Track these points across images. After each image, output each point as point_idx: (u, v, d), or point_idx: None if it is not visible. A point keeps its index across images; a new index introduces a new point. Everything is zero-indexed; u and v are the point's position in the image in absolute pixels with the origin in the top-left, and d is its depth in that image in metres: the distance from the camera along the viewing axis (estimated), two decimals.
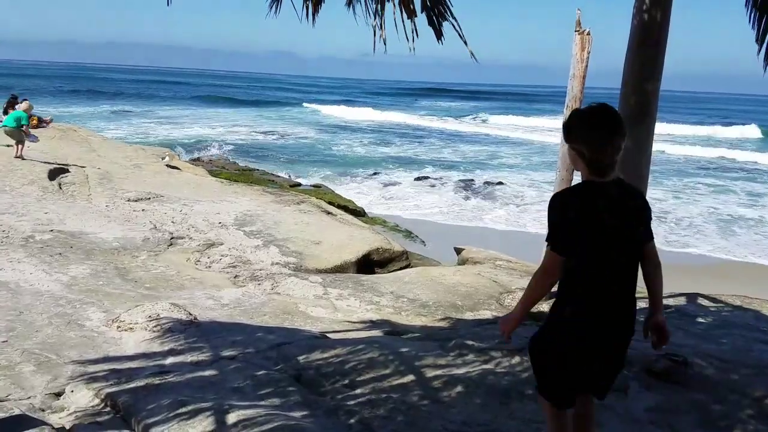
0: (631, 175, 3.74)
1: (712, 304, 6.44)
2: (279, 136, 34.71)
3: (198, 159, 20.83)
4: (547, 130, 40.76)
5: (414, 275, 7.42)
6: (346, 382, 3.93)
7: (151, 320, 5.16)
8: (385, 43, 3.58)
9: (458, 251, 9.26)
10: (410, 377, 3.96)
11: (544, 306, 6.26)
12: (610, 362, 2.60)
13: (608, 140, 2.37)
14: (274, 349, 4.56)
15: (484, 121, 49.81)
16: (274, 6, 4.09)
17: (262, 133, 35.87)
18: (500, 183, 20.96)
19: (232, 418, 3.29)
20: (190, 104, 54.64)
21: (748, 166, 28.56)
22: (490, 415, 3.51)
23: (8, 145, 13.36)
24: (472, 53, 3.66)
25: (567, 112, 6.00)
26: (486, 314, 6.11)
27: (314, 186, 18.32)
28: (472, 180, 21.38)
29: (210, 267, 7.21)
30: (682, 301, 6.51)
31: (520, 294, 6.56)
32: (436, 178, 21.46)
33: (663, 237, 14.19)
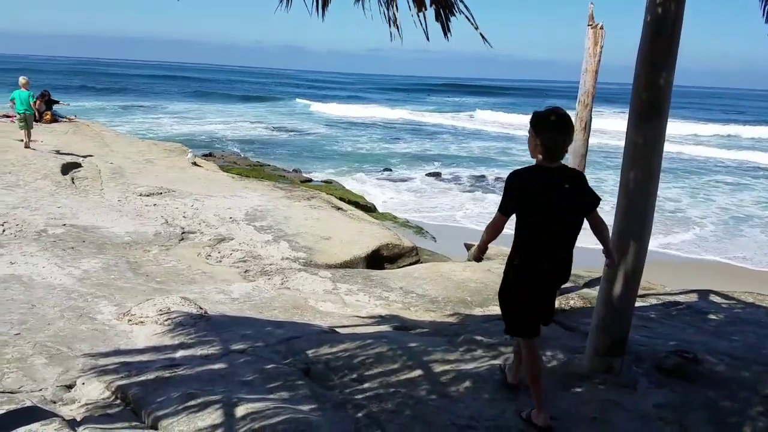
0: (641, 172, 3.71)
1: (724, 301, 6.39)
2: (290, 132, 34.80)
3: (210, 154, 20.91)
4: None
5: (423, 271, 7.41)
6: (355, 376, 3.94)
7: (161, 314, 5.19)
8: (400, 34, 3.54)
9: (468, 247, 9.23)
10: (418, 372, 3.97)
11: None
12: (549, 299, 3.49)
13: (559, 136, 3.15)
14: (284, 343, 4.58)
15: (489, 116, 49.46)
16: (285, 0, 4.08)
17: (273, 129, 35.98)
18: None
19: (240, 411, 3.31)
20: (200, 100, 54.83)
21: None
22: (498, 410, 3.51)
23: (21, 140, 13.50)
24: (484, 37, 3.61)
25: (579, 108, 5.97)
26: (495, 310, 6.09)
27: (325, 182, 18.35)
28: (483, 176, 21.34)
29: (221, 261, 7.25)
30: (693, 297, 6.46)
31: None
32: (447, 174, 21.44)
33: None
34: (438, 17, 3.58)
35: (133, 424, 3.44)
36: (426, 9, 3.51)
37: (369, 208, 14.08)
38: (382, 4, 3.62)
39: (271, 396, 3.58)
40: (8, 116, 17.72)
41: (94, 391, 3.90)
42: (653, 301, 6.30)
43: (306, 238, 8.19)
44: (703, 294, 6.58)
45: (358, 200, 14.67)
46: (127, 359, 4.36)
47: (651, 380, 3.97)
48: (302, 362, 4.17)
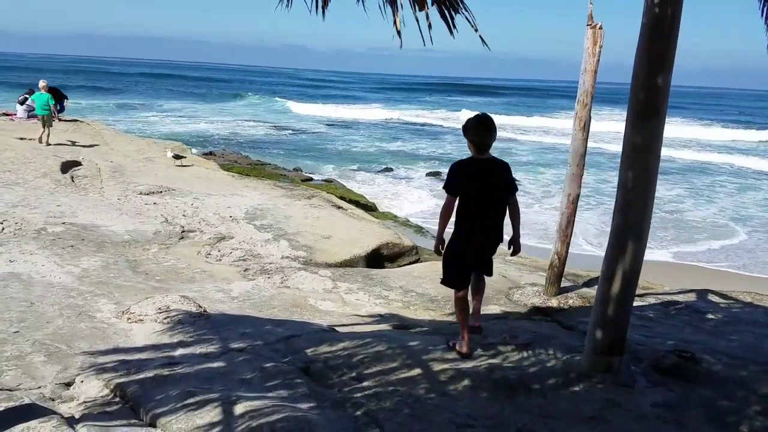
0: (639, 172, 3.72)
1: (722, 301, 6.40)
2: (290, 131, 34.79)
3: (210, 153, 20.91)
4: (558, 131, 40.41)
5: (423, 270, 7.41)
6: (354, 374, 3.95)
7: (161, 312, 5.20)
8: (400, 36, 3.54)
9: None
10: (417, 371, 3.97)
11: (553, 301, 6.26)
12: (483, 257, 4.54)
13: (485, 135, 4.24)
14: (283, 341, 4.58)
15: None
16: None
17: (272, 127, 36.00)
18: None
19: (239, 409, 3.32)
20: (200, 98, 54.77)
21: None
22: (497, 408, 3.52)
23: (21, 138, 13.52)
24: (483, 40, 3.62)
25: (578, 107, 5.97)
26: (494, 309, 6.09)
27: (325, 181, 18.35)
28: None
29: (220, 260, 7.25)
30: (692, 297, 6.47)
31: (529, 289, 6.59)
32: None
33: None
34: (442, 15, 3.57)
35: (132, 421, 3.44)
36: (428, 8, 3.51)
37: (369, 207, 14.07)
38: (384, 3, 3.61)
39: (270, 394, 3.59)
40: (8, 114, 17.74)
41: (93, 388, 3.91)
42: (652, 300, 6.31)
43: (306, 236, 8.20)
44: (702, 294, 6.59)
45: (358, 199, 14.66)
46: (126, 357, 4.36)
47: (649, 379, 3.98)
48: (301, 361, 4.18)
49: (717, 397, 3.78)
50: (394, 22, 3.50)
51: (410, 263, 8.06)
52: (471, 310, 4.55)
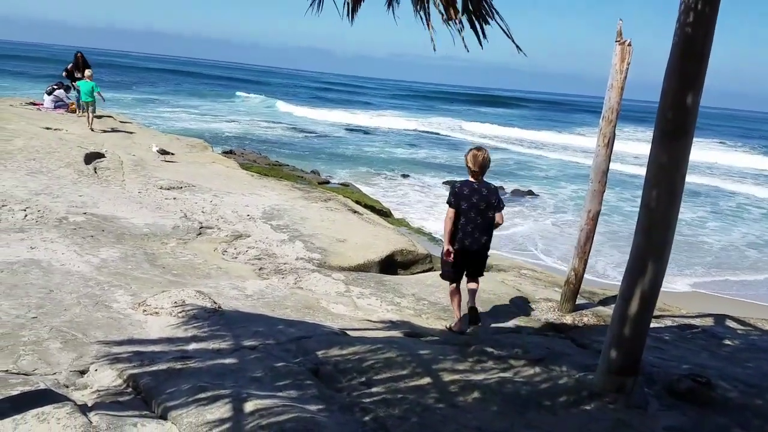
0: (664, 191, 3.68)
1: (740, 327, 6.32)
2: (305, 133, 34.96)
3: (231, 152, 21.06)
4: (578, 147, 40.10)
5: (436, 278, 7.36)
6: (363, 379, 3.95)
7: (176, 306, 5.24)
8: (433, 39, 3.54)
9: None
10: (427, 379, 3.96)
11: (568, 318, 6.21)
12: (475, 262, 5.71)
13: (479, 166, 5.52)
14: (294, 342, 4.60)
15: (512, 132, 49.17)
16: (315, 3, 4.10)
17: (289, 128, 36.22)
18: (530, 192, 20.84)
19: (249, 406, 3.33)
20: (212, 97, 55.02)
21: None
22: (506, 423, 3.50)
23: (47, 128, 13.73)
24: (518, 47, 3.61)
25: (603, 123, 5.94)
26: (507, 323, 6.07)
27: (342, 184, 18.40)
28: (502, 187, 21.28)
29: (236, 258, 7.29)
30: (709, 321, 6.40)
31: (543, 304, 6.55)
32: None
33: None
34: (472, 25, 3.57)
35: (143, 413, 3.47)
36: (459, 16, 3.51)
37: (384, 213, 14.09)
38: (418, 10, 3.62)
39: (280, 394, 3.60)
40: (35, 104, 18.00)
41: (107, 378, 3.95)
42: (668, 322, 6.24)
43: (321, 239, 8.22)
44: (719, 318, 6.51)
45: (374, 204, 14.68)
46: (140, 349, 4.40)
47: (662, 402, 3.93)
48: (312, 362, 4.18)
49: (731, 425, 3.73)
50: (428, 28, 3.51)
51: (423, 271, 8.04)
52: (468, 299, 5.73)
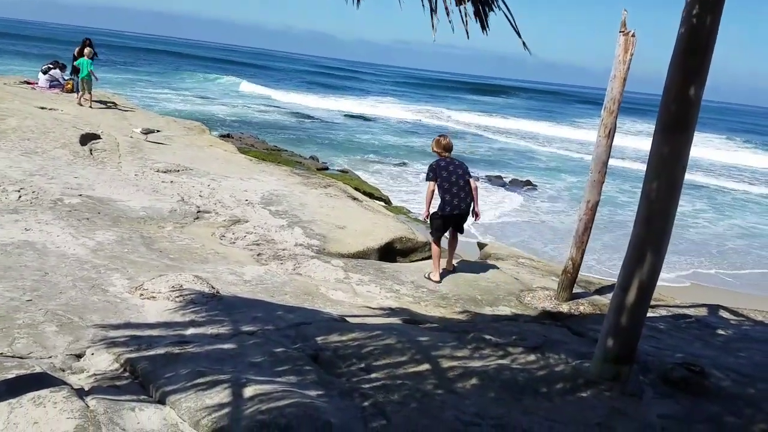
0: (664, 183, 3.69)
1: (733, 317, 6.36)
2: (307, 119, 34.84)
3: (228, 135, 20.98)
4: (577, 140, 39.97)
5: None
6: (363, 365, 3.96)
7: (174, 290, 5.23)
8: (434, 26, 3.50)
9: (481, 246, 9.23)
10: (426, 366, 3.98)
11: (564, 307, 6.24)
12: (458, 221, 6.90)
13: (443, 147, 6.88)
14: (294, 328, 4.60)
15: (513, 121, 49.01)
16: None
17: (289, 114, 36.09)
18: (528, 182, 20.85)
19: (248, 391, 3.33)
20: (219, 81, 54.60)
21: None
22: (504, 409, 3.52)
23: (42, 107, 13.64)
24: (525, 44, 3.59)
25: (605, 114, 5.93)
26: (505, 310, 6.09)
27: (341, 171, 18.37)
28: (500, 177, 21.27)
29: (234, 243, 7.27)
30: (703, 311, 6.43)
31: (540, 292, 6.58)
32: None
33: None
34: (477, 12, 3.55)
35: (141, 397, 3.46)
36: (465, 4, 3.48)
37: (383, 200, 14.09)
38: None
39: (279, 379, 3.61)
40: (30, 83, 17.85)
41: (103, 362, 3.93)
42: (663, 312, 6.27)
43: (320, 225, 8.21)
44: (713, 309, 6.55)
45: (372, 191, 14.68)
46: (138, 333, 4.39)
47: (657, 390, 3.97)
48: (311, 348, 4.19)
49: (724, 413, 3.76)
50: (432, 12, 3.47)
51: (422, 259, 8.04)
52: (447, 258, 7.12)
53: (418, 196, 16.97)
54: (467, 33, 3.44)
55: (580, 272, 6.51)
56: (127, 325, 4.55)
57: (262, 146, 20.09)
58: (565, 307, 6.24)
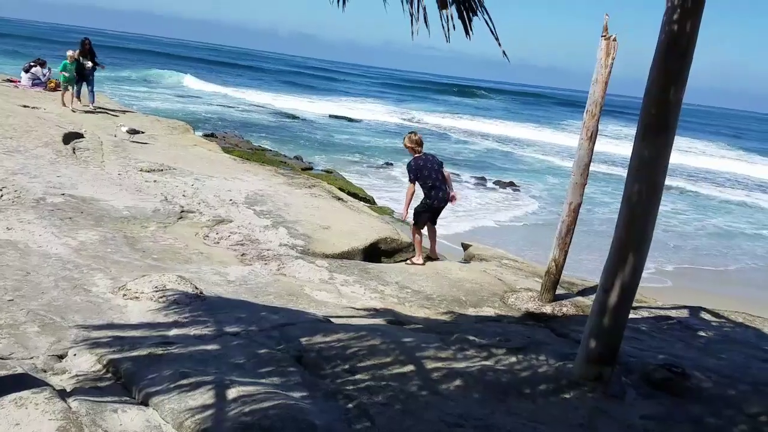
0: (645, 185, 3.74)
1: (714, 319, 6.44)
2: (290, 119, 34.73)
3: (212, 135, 20.86)
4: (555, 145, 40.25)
5: (420, 267, 7.44)
6: (347, 366, 3.97)
7: (157, 291, 5.19)
8: (414, 30, 3.53)
9: (465, 247, 9.26)
10: (410, 367, 3.99)
11: (547, 308, 6.28)
12: (436, 212, 7.78)
13: (415, 142, 7.61)
14: (278, 328, 4.59)
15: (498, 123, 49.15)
16: None
17: (272, 113, 35.96)
18: (511, 183, 20.96)
19: (232, 393, 3.33)
20: (200, 80, 54.03)
21: None
22: (488, 410, 3.54)
23: (24, 105, 13.49)
24: (504, 53, 3.63)
25: (587, 117, 5.99)
26: (489, 311, 6.12)
27: (326, 171, 18.34)
28: (483, 178, 21.36)
29: (218, 243, 7.24)
30: (685, 313, 6.50)
31: (524, 293, 6.63)
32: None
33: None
34: (461, 16, 3.57)
35: (124, 399, 3.44)
36: (448, 8, 3.50)
37: (368, 201, 14.08)
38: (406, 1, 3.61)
39: (263, 380, 3.60)
40: (12, 81, 17.65)
41: (86, 363, 3.90)
42: (645, 314, 6.34)
43: (305, 225, 8.19)
44: (695, 311, 6.63)
45: (357, 192, 14.67)
46: (120, 333, 4.36)
47: (639, 392, 4.02)
48: (295, 349, 4.19)
49: (705, 414, 3.82)
50: (417, 18, 3.50)
51: (407, 260, 8.06)
52: (431, 248, 7.97)
53: (403, 196, 17.00)
54: (447, 36, 3.47)
55: (563, 273, 6.56)
56: (110, 326, 4.52)
57: (246, 146, 20.01)
58: (548, 309, 6.29)
